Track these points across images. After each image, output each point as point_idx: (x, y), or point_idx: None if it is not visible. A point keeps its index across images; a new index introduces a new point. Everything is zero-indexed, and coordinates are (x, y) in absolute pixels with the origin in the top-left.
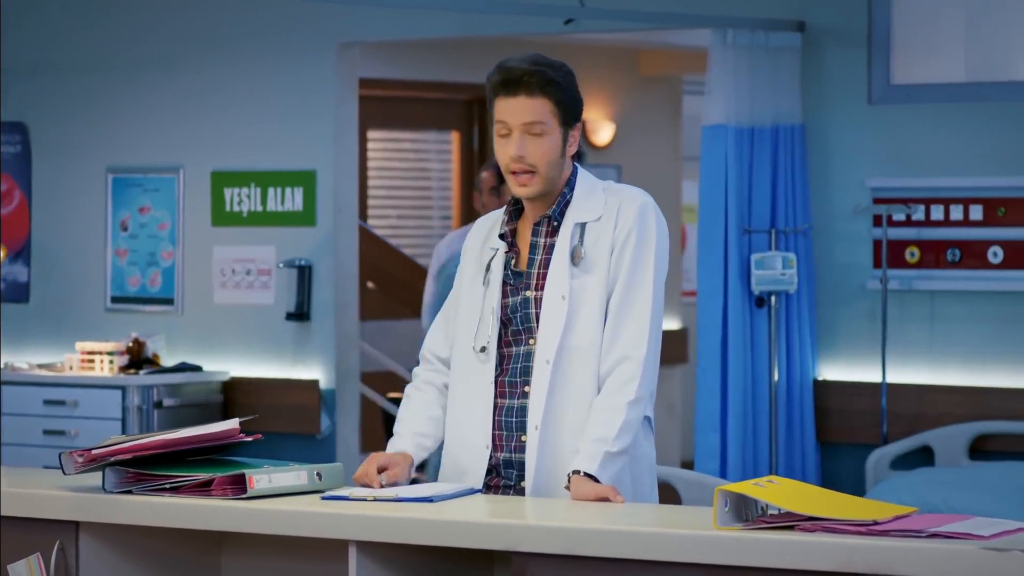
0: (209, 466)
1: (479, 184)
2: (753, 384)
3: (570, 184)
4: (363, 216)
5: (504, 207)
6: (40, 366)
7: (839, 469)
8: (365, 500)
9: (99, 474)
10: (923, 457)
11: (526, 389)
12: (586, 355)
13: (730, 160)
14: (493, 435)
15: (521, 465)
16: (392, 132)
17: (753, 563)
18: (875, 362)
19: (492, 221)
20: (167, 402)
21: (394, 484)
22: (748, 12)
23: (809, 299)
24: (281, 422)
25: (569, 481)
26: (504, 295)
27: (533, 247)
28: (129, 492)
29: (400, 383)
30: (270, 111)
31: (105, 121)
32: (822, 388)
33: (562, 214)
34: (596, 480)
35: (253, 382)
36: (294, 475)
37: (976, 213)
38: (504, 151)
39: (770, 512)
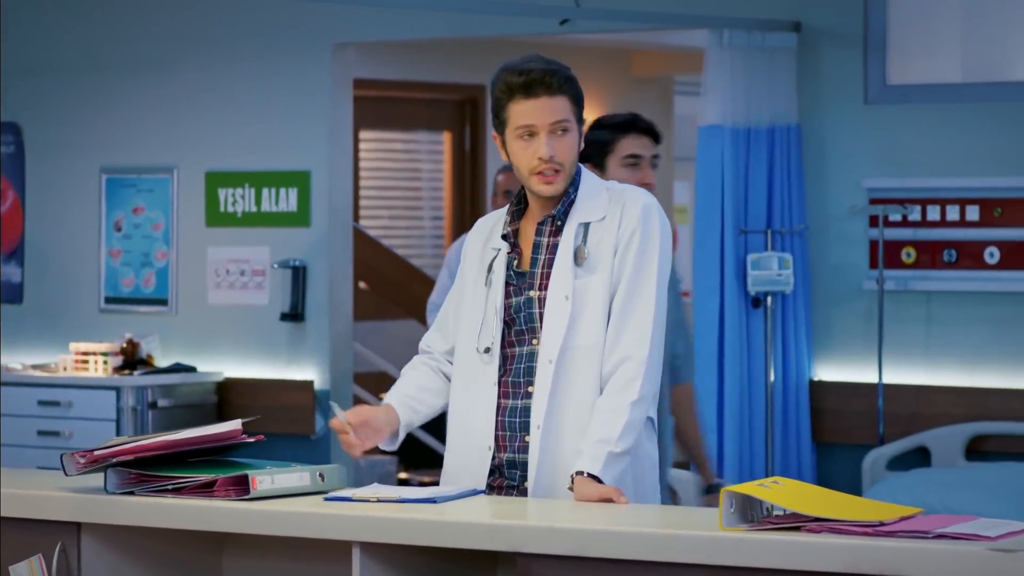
0: (211, 467)
1: (495, 187)
2: (749, 384)
3: (574, 184)
4: (355, 216)
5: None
6: (34, 367)
7: (835, 470)
8: (368, 501)
9: (101, 475)
10: (919, 458)
11: (530, 389)
12: (589, 355)
13: (726, 160)
14: (496, 436)
15: (525, 466)
16: (383, 132)
17: (759, 564)
18: (871, 363)
19: (492, 222)
20: (161, 403)
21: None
22: (744, 12)
23: (805, 299)
24: (275, 423)
25: (572, 482)
26: (507, 295)
27: (537, 247)
28: (131, 493)
29: (392, 384)
30: (264, 112)
31: (99, 121)
32: (818, 388)
33: (566, 214)
34: (599, 481)
35: (247, 383)
36: (297, 476)
37: (972, 213)
38: (529, 153)
39: (775, 513)
